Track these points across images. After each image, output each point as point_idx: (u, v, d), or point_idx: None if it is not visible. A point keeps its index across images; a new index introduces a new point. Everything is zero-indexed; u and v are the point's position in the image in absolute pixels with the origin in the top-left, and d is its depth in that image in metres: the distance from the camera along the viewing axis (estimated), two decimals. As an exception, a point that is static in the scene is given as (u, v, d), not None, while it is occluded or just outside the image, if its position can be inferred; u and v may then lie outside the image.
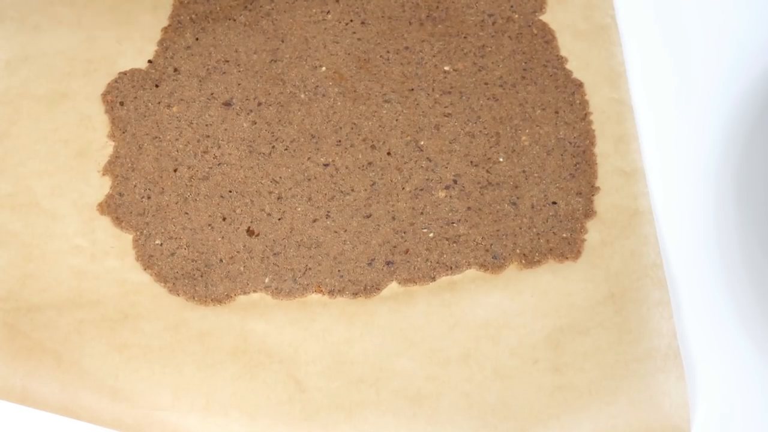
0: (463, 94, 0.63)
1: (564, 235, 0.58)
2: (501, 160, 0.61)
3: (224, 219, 0.59)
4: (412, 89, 0.63)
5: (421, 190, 0.60)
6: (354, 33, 0.66)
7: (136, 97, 0.63)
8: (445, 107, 0.63)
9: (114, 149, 0.61)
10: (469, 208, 0.59)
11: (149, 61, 0.65)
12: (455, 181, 0.60)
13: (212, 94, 0.64)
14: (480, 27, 0.66)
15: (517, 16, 0.67)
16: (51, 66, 0.64)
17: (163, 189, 0.60)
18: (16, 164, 0.60)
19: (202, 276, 0.57)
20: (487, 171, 0.61)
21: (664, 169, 0.61)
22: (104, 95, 0.63)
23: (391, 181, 0.60)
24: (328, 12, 0.67)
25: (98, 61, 0.64)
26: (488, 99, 0.63)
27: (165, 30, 0.66)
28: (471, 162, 0.61)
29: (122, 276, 0.57)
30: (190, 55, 0.65)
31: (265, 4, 0.67)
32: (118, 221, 0.59)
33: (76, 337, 0.54)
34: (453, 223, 0.59)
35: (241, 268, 0.57)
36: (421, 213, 0.59)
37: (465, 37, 0.66)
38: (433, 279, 0.57)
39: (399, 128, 0.62)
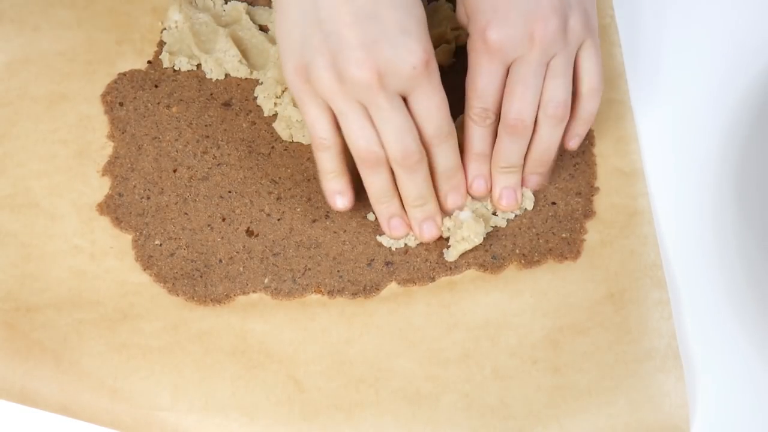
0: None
1: (563, 235, 0.58)
2: (500, 160, 0.61)
3: (224, 219, 0.59)
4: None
5: (421, 190, 0.60)
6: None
7: (135, 98, 0.63)
8: (445, 107, 0.63)
9: (113, 150, 0.61)
10: (468, 209, 0.59)
11: (149, 62, 0.65)
12: (454, 182, 0.60)
13: (211, 94, 0.64)
14: (479, 28, 0.66)
15: (516, 16, 0.67)
16: (50, 67, 0.64)
17: (162, 189, 0.60)
18: (16, 165, 0.60)
19: (201, 276, 0.57)
20: (487, 171, 0.61)
21: (663, 170, 0.61)
22: (104, 96, 0.63)
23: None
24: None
25: (97, 63, 0.64)
26: (487, 99, 0.63)
27: (164, 31, 0.66)
28: (470, 162, 0.61)
29: (121, 276, 0.57)
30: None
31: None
32: (117, 221, 0.59)
33: (75, 337, 0.54)
34: (452, 223, 0.59)
35: (241, 269, 0.57)
36: (421, 213, 0.59)
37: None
38: (433, 279, 0.57)
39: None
